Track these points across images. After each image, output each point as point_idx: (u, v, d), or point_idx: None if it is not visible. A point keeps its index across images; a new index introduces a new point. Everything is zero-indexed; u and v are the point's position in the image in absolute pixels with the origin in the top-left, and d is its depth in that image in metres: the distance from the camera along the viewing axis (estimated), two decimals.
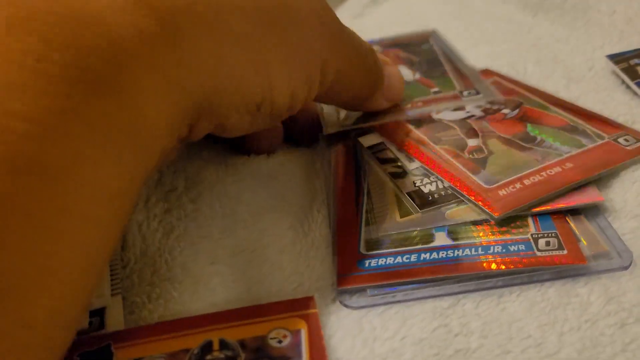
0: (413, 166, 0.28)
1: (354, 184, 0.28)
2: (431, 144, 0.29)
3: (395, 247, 0.25)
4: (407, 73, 0.34)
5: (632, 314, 0.21)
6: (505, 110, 0.31)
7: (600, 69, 0.35)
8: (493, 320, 0.22)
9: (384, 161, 0.29)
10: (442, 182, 0.27)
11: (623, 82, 0.33)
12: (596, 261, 0.23)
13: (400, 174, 0.28)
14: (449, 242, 0.25)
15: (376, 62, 0.27)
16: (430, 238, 0.25)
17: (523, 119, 0.30)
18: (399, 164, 0.29)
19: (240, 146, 0.30)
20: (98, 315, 0.22)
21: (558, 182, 0.26)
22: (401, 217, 0.26)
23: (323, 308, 0.23)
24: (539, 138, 0.29)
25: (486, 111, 0.31)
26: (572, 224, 0.25)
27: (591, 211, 0.25)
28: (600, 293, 0.22)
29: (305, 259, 0.25)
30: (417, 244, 0.25)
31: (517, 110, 0.31)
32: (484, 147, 0.29)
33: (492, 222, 0.25)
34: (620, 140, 0.28)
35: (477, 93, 0.32)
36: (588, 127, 0.29)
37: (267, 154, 0.30)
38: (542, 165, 0.27)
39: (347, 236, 0.26)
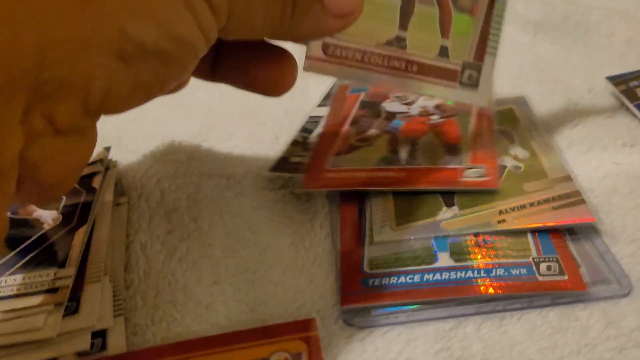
0: None
1: (357, 201, 0.29)
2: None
3: (399, 267, 0.25)
4: None
5: (632, 339, 0.22)
6: (435, 117, 0.32)
7: (600, 91, 0.35)
8: (494, 343, 0.22)
9: None
10: None
11: (623, 104, 0.33)
12: (596, 287, 0.23)
13: None
14: (451, 263, 0.25)
15: None
16: (433, 258, 0.25)
17: (435, 128, 0.32)
18: None
19: (253, 86, 0.27)
20: (100, 336, 0.22)
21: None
22: (398, 225, 0.27)
23: (326, 327, 0.23)
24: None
25: (421, 113, 0.33)
26: (572, 248, 0.25)
27: (590, 234, 0.26)
28: (599, 317, 0.22)
29: (307, 276, 0.26)
30: (420, 263, 0.25)
31: (442, 119, 0.32)
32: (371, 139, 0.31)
33: (494, 241, 0.25)
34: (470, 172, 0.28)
35: (476, 84, 0.27)
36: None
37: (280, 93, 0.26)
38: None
39: (351, 254, 0.26)
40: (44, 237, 0.25)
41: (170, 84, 0.21)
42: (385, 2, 0.26)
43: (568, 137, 0.31)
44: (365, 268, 0.25)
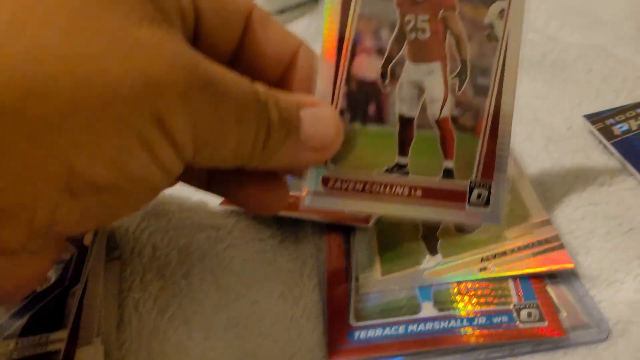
0: None
1: (344, 251, 0.29)
2: None
3: (384, 317, 0.26)
4: (438, 89, 0.27)
5: None
6: None
7: (578, 129, 0.36)
8: None
9: None
10: None
11: (600, 142, 0.34)
12: (575, 332, 0.24)
13: None
14: (434, 312, 0.25)
15: (270, 107, 0.23)
16: (417, 308, 0.26)
17: None
18: None
19: (245, 206, 0.28)
20: None
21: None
22: (383, 274, 0.27)
23: None
24: None
25: None
26: (552, 293, 0.26)
27: (569, 278, 0.26)
28: None
29: (297, 328, 0.26)
30: (404, 314, 0.26)
31: None
32: None
33: (476, 288, 0.26)
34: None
35: (487, 202, 0.26)
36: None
37: (269, 214, 0.28)
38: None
39: (338, 307, 0.26)
40: (37, 299, 0.26)
41: (125, 214, 0.21)
42: (381, 131, 0.26)
43: (547, 178, 0.32)
44: (352, 320, 0.26)
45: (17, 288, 0.21)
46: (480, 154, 0.26)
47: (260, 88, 0.23)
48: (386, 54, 0.26)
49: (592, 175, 0.32)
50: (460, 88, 0.26)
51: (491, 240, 0.28)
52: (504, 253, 0.27)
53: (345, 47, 0.26)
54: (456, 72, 0.26)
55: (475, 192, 0.26)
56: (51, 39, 0.17)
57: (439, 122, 0.26)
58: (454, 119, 0.26)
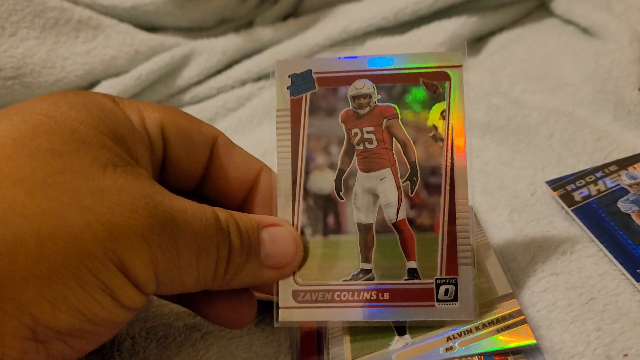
0: None
1: (316, 334, 0.30)
2: None
3: None
4: (391, 194, 0.28)
5: None
6: None
7: (542, 194, 0.38)
8: None
9: None
10: None
11: (562, 207, 0.36)
12: None
13: None
14: None
15: (232, 233, 0.24)
16: None
17: None
18: None
19: (213, 320, 0.29)
20: None
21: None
22: (353, 358, 0.28)
23: None
24: None
25: None
26: None
27: (532, 353, 0.27)
28: None
29: None
30: None
31: None
32: None
33: None
34: None
35: (455, 298, 0.27)
36: None
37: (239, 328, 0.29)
38: None
39: None
40: None
41: (91, 349, 0.23)
42: (342, 240, 0.28)
43: (511, 249, 0.33)
44: None
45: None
46: (442, 250, 0.27)
47: (222, 214, 0.24)
48: (338, 168, 0.28)
49: (555, 243, 0.33)
50: (412, 190, 0.27)
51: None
52: (469, 331, 0.28)
53: (301, 166, 0.28)
54: (406, 175, 0.28)
55: (442, 289, 0.27)
56: (19, 198, 0.19)
57: (397, 225, 0.28)
58: (411, 220, 0.28)
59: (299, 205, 0.27)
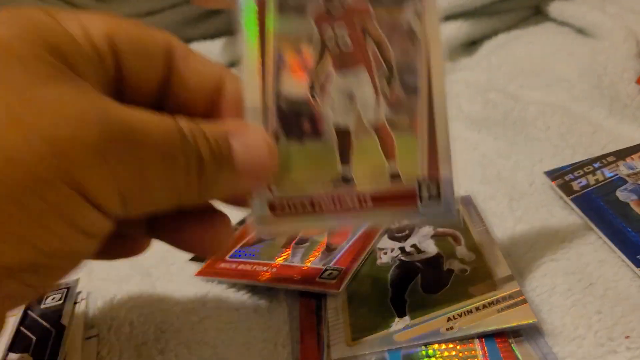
0: None
1: (316, 318, 0.30)
2: None
3: None
4: (368, 94, 0.27)
5: None
6: None
7: (540, 185, 0.38)
8: None
9: None
10: None
11: (561, 197, 0.36)
12: None
13: None
14: None
15: (200, 144, 0.22)
16: None
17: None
18: None
19: (185, 249, 0.27)
20: None
21: None
22: (353, 340, 0.28)
23: None
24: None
25: None
26: (516, 351, 0.26)
27: (534, 335, 0.27)
28: None
29: None
30: None
31: None
32: None
33: (443, 350, 0.27)
34: None
35: (438, 197, 0.27)
36: None
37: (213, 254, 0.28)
38: None
39: None
40: None
41: (54, 284, 0.21)
42: (320, 146, 0.26)
43: (510, 236, 0.33)
44: None
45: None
46: (422, 151, 0.26)
47: (185, 124, 0.22)
48: (311, 69, 0.26)
49: (554, 231, 0.33)
50: (390, 89, 0.26)
51: (457, 298, 0.29)
52: (469, 312, 0.28)
53: (269, 67, 0.25)
54: (383, 74, 0.26)
55: (425, 190, 0.26)
56: None
57: (376, 128, 0.26)
58: (390, 121, 0.26)
59: (270, 110, 0.25)
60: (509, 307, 0.28)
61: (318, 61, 0.26)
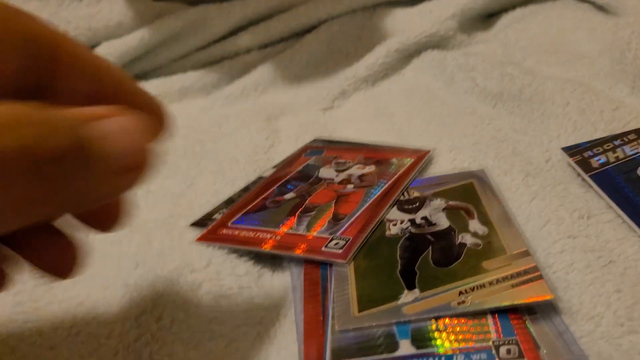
0: None
1: (320, 288, 0.29)
2: None
3: (361, 356, 0.25)
4: None
5: None
6: (350, 186, 0.36)
7: (557, 161, 0.36)
8: None
9: None
10: None
11: (579, 174, 0.34)
12: None
13: None
14: (412, 350, 0.25)
15: (25, 134, 0.16)
16: (394, 346, 0.25)
17: (339, 198, 0.35)
18: None
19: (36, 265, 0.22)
20: None
21: None
22: (360, 311, 0.27)
23: None
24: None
25: (342, 181, 0.36)
26: (531, 329, 0.25)
27: (549, 313, 0.26)
28: None
29: None
30: (382, 352, 0.25)
31: (354, 190, 0.35)
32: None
33: (454, 324, 0.25)
34: None
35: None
36: None
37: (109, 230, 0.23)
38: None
39: (313, 346, 0.26)
40: None
41: None
42: None
43: (525, 212, 0.32)
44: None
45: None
46: None
47: (12, 109, 0.16)
48: None
49: (571, 208, 0.32)
50: None
51: (470, 272, 0.28)
52: (482, 286, 0.27)
53: None
54: None
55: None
56: None
57: None
58: None
59: None
60: (523, 282, 0.27)
61: None
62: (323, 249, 0.30)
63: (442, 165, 0.38)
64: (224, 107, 0.51)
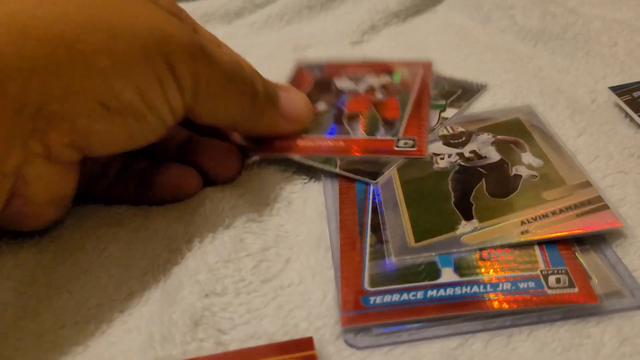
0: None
1: (356, 217, 0.27)
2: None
3: (401, 283, 0.24)
4: None
5: None
6: (379, 94, 0.36)
7: (603, 101, 0.34)
8: None
9: None
10: None
11: (627, 114, 0.33)
12: (608, 300, 0.22)
13: None
14: (456, 278, 0.24)
15: (256, 82, 0.28)
16: (436, 274, 0.24)
17: (376, 105, 0.35)
18: None
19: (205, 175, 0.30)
20: None
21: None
22: (416, 241, 0.26)
23: (325, 347, 0.22)
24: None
25: (367, 90, 0.37)
26: (581, 260, 0.24)
27: (600, 245, 0.25)
28: (613, 334, 0.21)
29: (306, 293, 0.24)
30: (423, 279, 0.24)
31: (385, 98, 0.36)
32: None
33: (498, 254, 0.24)
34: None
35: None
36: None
37: (228, 182, 0.30)
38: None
39: (351, 271, 0.25)
40: None
41: (141, 141, 0.25)
42: None
43: (573, 146, 0.30)
44: (366, 285, 0.24)
45: (53, 198, 0.25)
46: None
47: (246, 66, 0.28)
48: None
49: (620, 146, 0.30)
50: None
51: (529, 203, 0.26)
52: (545, 215, 0.25)
53: None
54: None
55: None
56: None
57: None
58: None
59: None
60: (589, 212, 0.25)
61: None
62: (395, 148, 0.31)
63: (483, 102, 0.36)
64: (247, 36, 0.49)
